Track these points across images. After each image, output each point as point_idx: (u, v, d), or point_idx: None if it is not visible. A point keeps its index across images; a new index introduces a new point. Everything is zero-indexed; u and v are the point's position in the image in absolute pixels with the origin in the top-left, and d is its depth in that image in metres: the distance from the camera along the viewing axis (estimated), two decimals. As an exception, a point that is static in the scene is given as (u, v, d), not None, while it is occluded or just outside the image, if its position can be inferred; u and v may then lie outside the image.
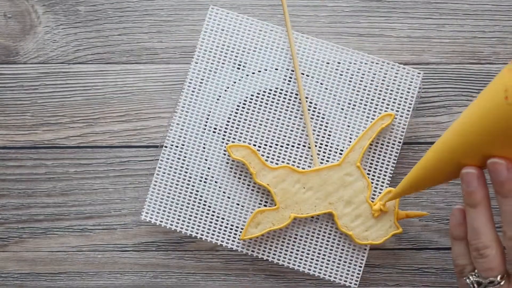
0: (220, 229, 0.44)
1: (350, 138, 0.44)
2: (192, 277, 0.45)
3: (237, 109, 0.44)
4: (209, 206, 0.44)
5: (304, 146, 0.44)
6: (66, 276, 0.45)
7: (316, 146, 0.44)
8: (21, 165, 0.46)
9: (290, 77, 0.44)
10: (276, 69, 0.44)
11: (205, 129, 0.44)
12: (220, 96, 0.44)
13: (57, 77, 0.46)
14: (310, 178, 0.43)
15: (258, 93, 0.44)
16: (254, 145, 0.44)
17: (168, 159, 0.44)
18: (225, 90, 0.44)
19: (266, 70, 0.44)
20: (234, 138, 0.44)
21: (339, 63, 0.44)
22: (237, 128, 0.44)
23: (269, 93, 0.44)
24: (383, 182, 0.44)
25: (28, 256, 0.45)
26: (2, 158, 0.46)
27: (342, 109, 0.44)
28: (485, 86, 0.46)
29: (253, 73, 0.44)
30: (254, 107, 0.44)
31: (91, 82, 0.46)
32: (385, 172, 0.44)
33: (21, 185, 0.46)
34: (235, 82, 0.44)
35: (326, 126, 0.44)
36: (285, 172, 0.43)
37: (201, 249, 0.45)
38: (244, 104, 0.44)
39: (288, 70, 0.44)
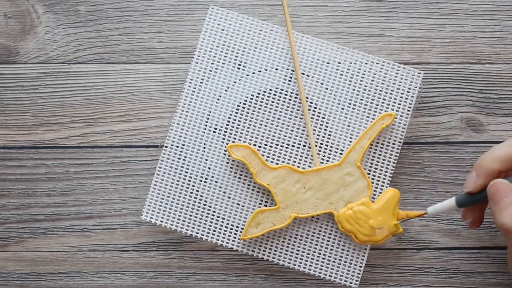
0: (220, 229, 0.44)
1: (351, 138, 0.44)
2: (193, 277, 0.45)
3: (237, 109, 0.44)
4: (209, 206, 0.44)
5: (304, 146, 0.44)
6: (66, 276, 0.45)
7: (316, 146, 0.44)
8: (21, 165, 0.46)
9: (290, 77, 0.44)
10: (276, 69, 0.44)
11: (205, 129, 0.44)
12: (220, 96, 0.44)
13: (57, 77, 0.46)
14: (310, 178, 0.43)
15: (258, 93, 0.44)
16: (254, 145, 0.44)
17: (168, 159, 0.44)
18: (225, 90, 0.44)
19: (266, 70, 0.44)
20: (234, 138, 0.44)
21: (339, 63, 0.44)
22: (237, 128, 0.44)
23: (269, 93, 0.44)
24: (383, 182, 0.44)
25: (28, 256, 0.45)
26: (2, 158, 0.46)
27: (343, 109, 0.44)
28: (485, 86, 0.46)
29: (253, 73, 0.44)
30: (254, 107, 0.44)
31: (91, 82, 0.46)
32: (385, 172, 0.44)
33: (21, 185, 0.46)
34: (235, 82, 0.44)
35: (327, 126, 0.44)
36: (285, 172, 0.43)
37: (201, 249, 0.45)
38: (244, 104, 0.44)
39: (288, 70, 0.44)
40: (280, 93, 0.44)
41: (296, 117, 0.44)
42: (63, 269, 0.45)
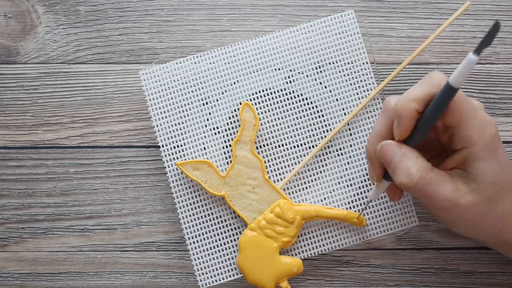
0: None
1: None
2: (192, 277, 0.45)
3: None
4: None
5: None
6: (66, 276, 0.45)
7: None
8: (21, 165, 0.46)
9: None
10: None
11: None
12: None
13: (58, 77, 0.46)
14: (264, 187, 0.43)
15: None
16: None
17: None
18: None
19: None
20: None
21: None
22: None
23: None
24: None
25: (28, 256, 0.45)
26: (3, 158, 0.46)
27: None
28: (485, 86, 0.46)
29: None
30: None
31: (92, 82, 0.46)
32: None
33: (22, 185, 0.46)
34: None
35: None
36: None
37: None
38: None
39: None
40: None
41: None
42: (63, 269, 0.45)
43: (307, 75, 0.44)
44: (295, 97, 0.44)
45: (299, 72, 0.44)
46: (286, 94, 0.44)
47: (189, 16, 0.47)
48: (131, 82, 0.46)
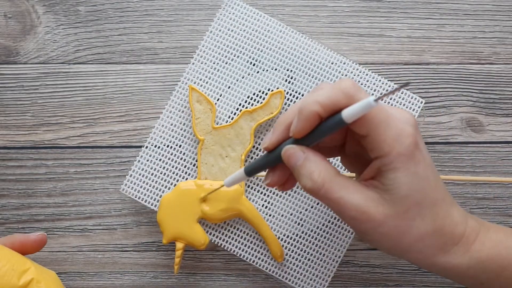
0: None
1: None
2: (192, 277, 0.45)
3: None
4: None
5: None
6: (66, 276, 0.45)
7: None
8: (21, 165, 0.46)
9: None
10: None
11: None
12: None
13: (58, 77, 0.46)
14: (235, 163, 0.43)
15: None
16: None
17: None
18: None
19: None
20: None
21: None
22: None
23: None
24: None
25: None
26: (2, 158, 0.46)
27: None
28: (485, 86, 0.46)
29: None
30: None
31: (92, 82, 0.46)
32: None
33: (21, 185, 0.46)
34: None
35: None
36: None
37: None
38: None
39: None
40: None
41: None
42: (63, 269, 0.45)
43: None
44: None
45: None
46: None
47: (189, 16, 0.47)
48: (131, 82, 0.46)
